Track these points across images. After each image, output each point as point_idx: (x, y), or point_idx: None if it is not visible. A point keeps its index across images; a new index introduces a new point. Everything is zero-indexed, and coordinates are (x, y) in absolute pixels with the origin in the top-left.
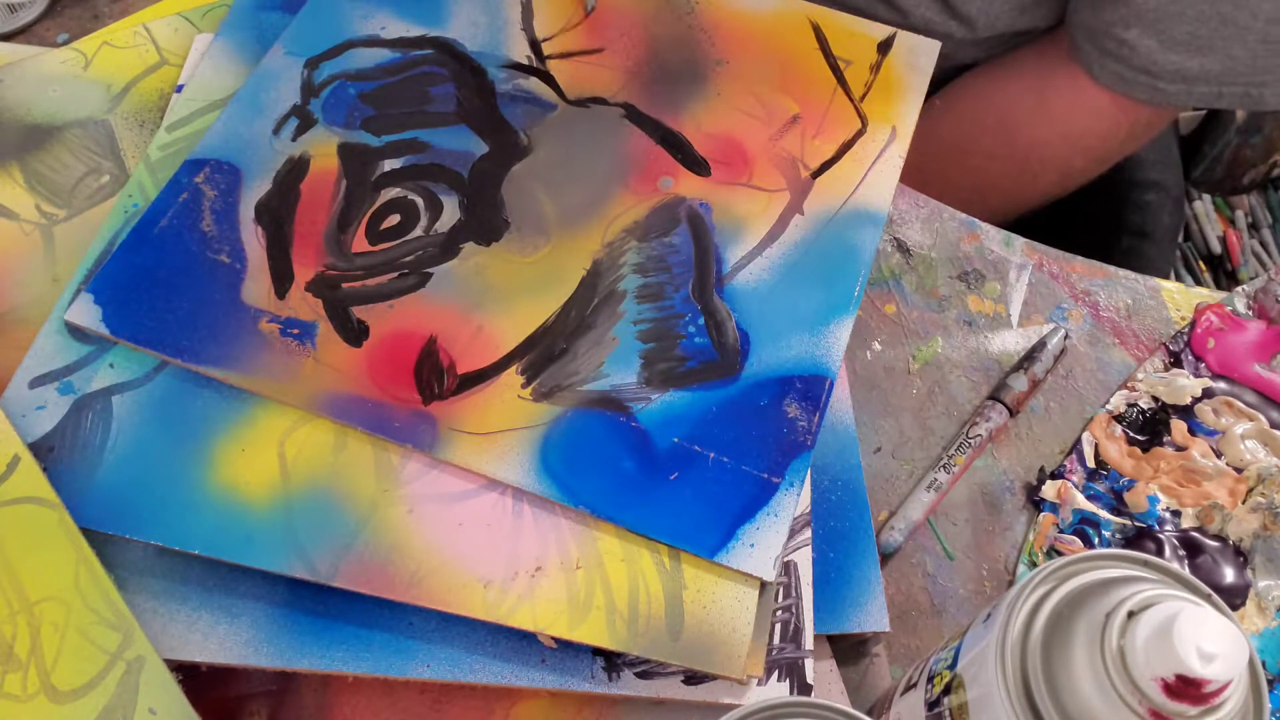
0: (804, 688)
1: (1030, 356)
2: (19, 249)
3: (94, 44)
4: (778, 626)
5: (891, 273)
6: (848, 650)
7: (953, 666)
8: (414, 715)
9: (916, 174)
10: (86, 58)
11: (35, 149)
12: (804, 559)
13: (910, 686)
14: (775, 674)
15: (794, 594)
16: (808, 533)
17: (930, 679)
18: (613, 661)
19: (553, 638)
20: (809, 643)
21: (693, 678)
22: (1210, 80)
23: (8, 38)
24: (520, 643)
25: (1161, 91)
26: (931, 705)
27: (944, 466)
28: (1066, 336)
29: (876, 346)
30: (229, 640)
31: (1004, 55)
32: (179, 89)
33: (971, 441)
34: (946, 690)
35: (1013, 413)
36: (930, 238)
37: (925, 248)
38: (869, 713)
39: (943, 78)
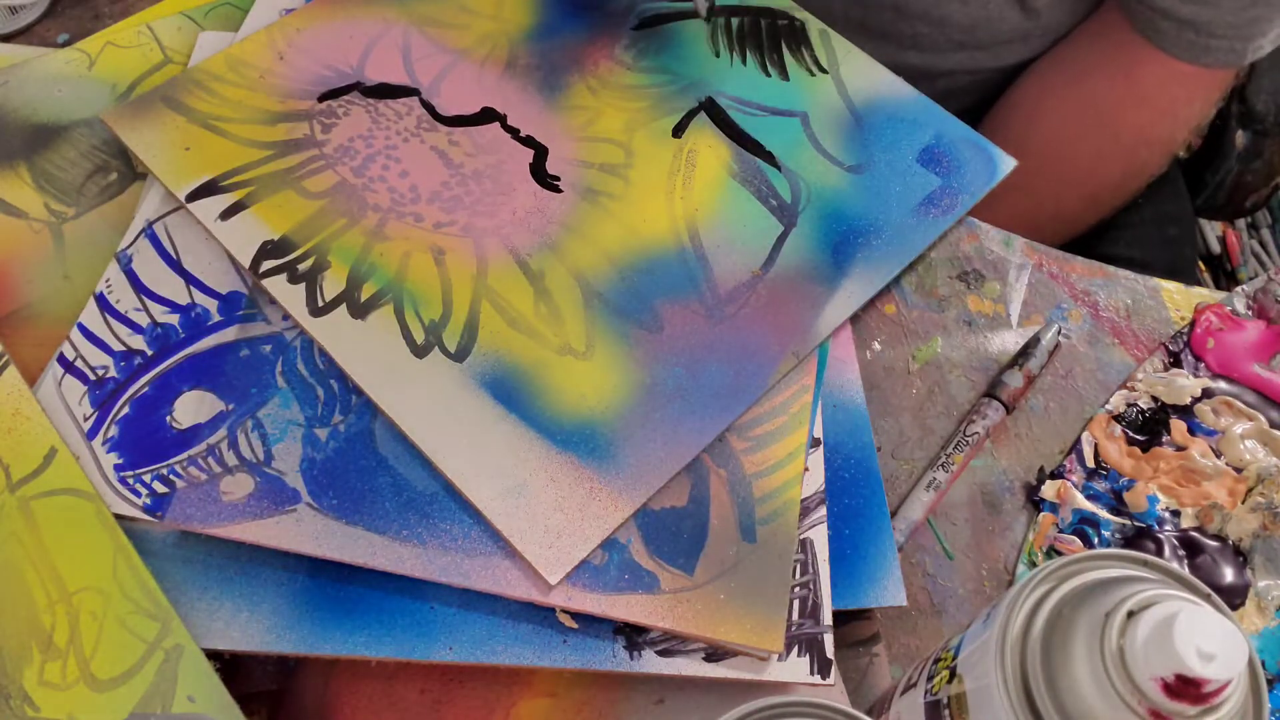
0: (824, 663)
1: (1025, 352)
2: (29, 247)
3: (98, 44)
4: (796, 602)
5: None
6: (848, 650)
7: (952, 666)
8: (414, 715)
9: (1020, 195)
10: (90, 58)
11: (42, 148)
12: (820, 536)
13: (910, 686)
14: (795, 649)
15: (811, 570)
16: (823, 510)
17: (930, 679)
18: (634, 641)
19: (573, 618)
20: (828, 618)
21: (713, 655)
22: (1200, 29)
23: (8, 38)
24: (541, 624)
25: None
26: (931, 704)
27: (942, 465)
28: (1061, 332)
29: (876, 346)
30: (250, 628)
31: (1064, 49)
32: None
33: (969, 439)
34: (946, 689)
35: (1009, 409)
36: None
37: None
38: (869, 713)
39: (993, 84)
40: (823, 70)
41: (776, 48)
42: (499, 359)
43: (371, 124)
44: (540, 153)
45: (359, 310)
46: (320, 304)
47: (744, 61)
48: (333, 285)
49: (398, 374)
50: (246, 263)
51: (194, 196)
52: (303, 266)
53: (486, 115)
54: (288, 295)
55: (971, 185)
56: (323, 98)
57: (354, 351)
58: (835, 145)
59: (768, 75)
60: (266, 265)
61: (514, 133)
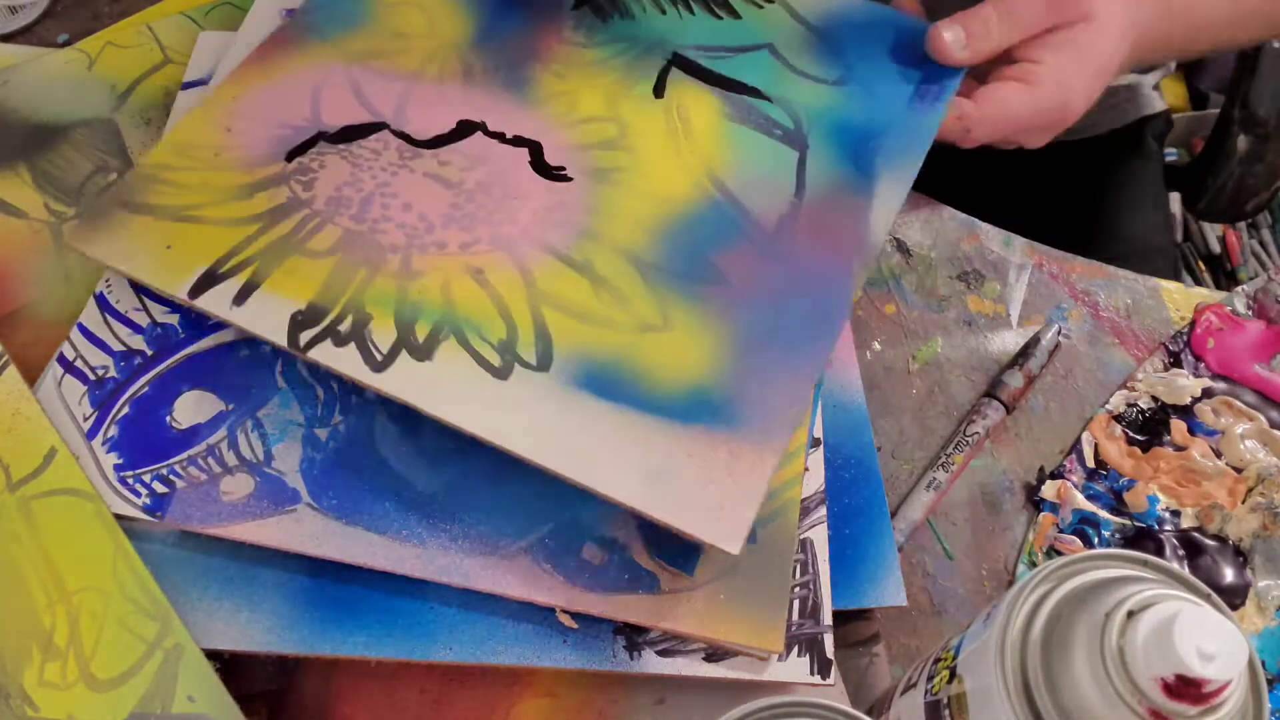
0: (824, 663)
1: (1025, 353)
2: (29, 247)
3: (98, 44)
4: (796, 603)
5: (891, 273)
6: (848, 650)
7: (952, 666)
8: (414, 715)
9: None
10: (90, 58)
11: (42, 148)
12: (820, 536)
13: (910, 686)
14: (795, 649)
15: (811, 570)
16: (823, 510)
17: (930, 679)
18: (633, 640)
19: (573, 618)
20: (828, 618)
21: (713, 655)
22: None
23: (8, 38)
24: (542, 624)
25: None
26: (931, 704)
27: (942, 465)
28: (1061, 332)
29: (876, 346)
30: (250, 628)
31: None
32: (184, 86)
33: (969, 439)
34: (946, 689)
35: (1009, 409)
36: (930, 238)
37: (925, 248)
38: (869, 713)
39: None
40: (768, 0)
41: None
42: (584, 356)
43: (352, 168)
44: (535, 148)
45: (421, 352)
46: (379, 359)
47: (691, 10)
48: (383, 336)
49: (489, 402)
50: (283, 342)
51: (196, 292)
52: (343, 327)
53: (465, 129)
54: (341, 360)
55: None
56: (290, 156)
57: (435, 394)
58: (811, 65)
59: (719, 18)
60: (306, 337)
61: (500, 137)
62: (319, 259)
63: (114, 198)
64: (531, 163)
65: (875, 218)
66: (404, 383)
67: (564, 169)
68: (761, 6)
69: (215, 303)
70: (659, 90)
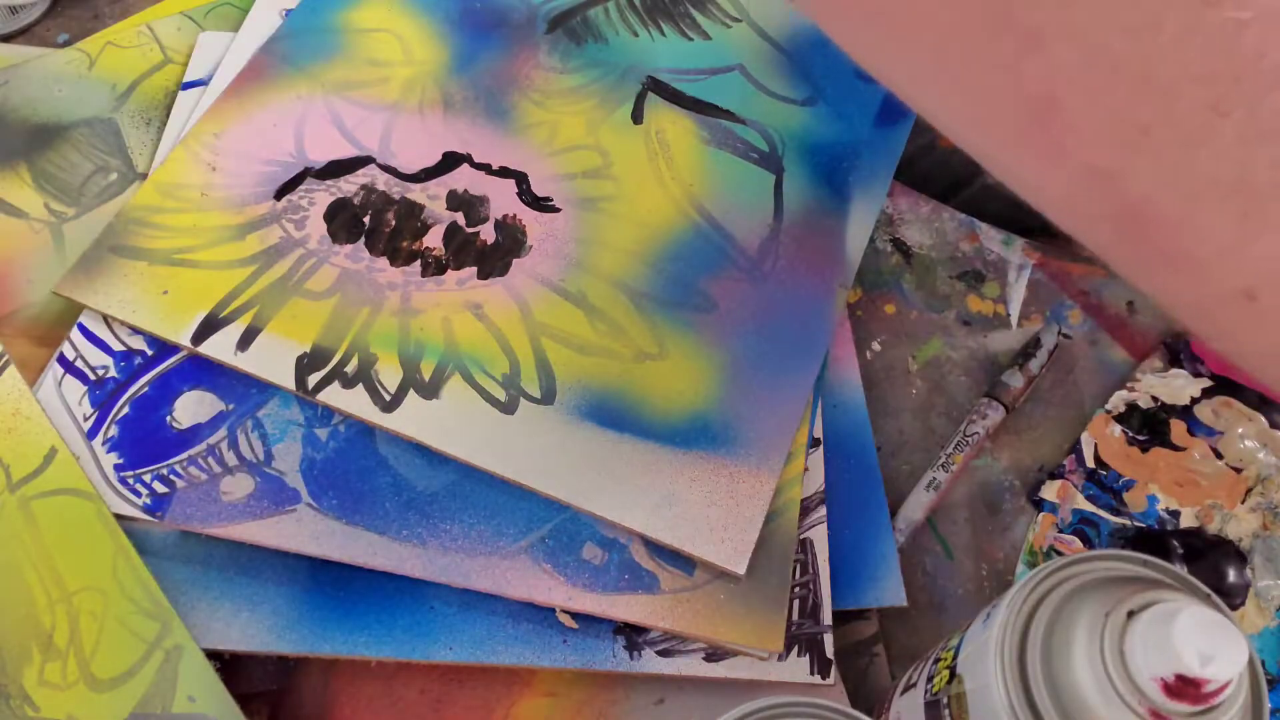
0: (824, 663)
1: (1025, 353)
2: (29, 247)
3: (98, 44)
4: (796, 602)
5: (891, 273)
6: (848, 650)
7: (952, 666)
8: (414, 715)
9: None
10: (90, 58)
11: (42, 148)
12: (820, 536)
13: (910, 686)
14: (795, 649)
15: (811, 570)
16: (823, 510)
17: (930, 679)
18: (634, 641)
19: (573, 618)
20: (828, 618)
21: (713, 655)
22: None
23: (8, 38)
24: (541, 624)
25: None
26: (931, 704)
27: (942, 466)
28: (1061, 332)
29: (876, 346)
30: (251, 628)
31: None
32: (184, 86)
33: (969, 440)
34: (945, 689)
35: (1009, 409)
36: (930, 238)
37: (925, 248)
38: (869, 713)
39: None
40: (735, 20)
41: (685, 12)
42: (586, 387)
43: None
44: (521, 179)
45: (428, 390)
46: (387, 399)
47: (662, 33)
48: (390, 375)
49: (498, 437)
50: (290, 386)
51: (199, 338)
52: (349, 369)
53: (451, 160)
54: (350, 402)
55: None
56: (279, 194)
57: (445, 432)
58: (781, 85)
59: (690, 40)
60: (313, 380)
61: (486, 169)
62: (319, 300)
63: (101, 243)
64: (519, 194)
65: (851, 237)
66: (414, 422)
67: (551, 199)
68: (729, 26)
69: (219, 348)
70: (637, 116)
